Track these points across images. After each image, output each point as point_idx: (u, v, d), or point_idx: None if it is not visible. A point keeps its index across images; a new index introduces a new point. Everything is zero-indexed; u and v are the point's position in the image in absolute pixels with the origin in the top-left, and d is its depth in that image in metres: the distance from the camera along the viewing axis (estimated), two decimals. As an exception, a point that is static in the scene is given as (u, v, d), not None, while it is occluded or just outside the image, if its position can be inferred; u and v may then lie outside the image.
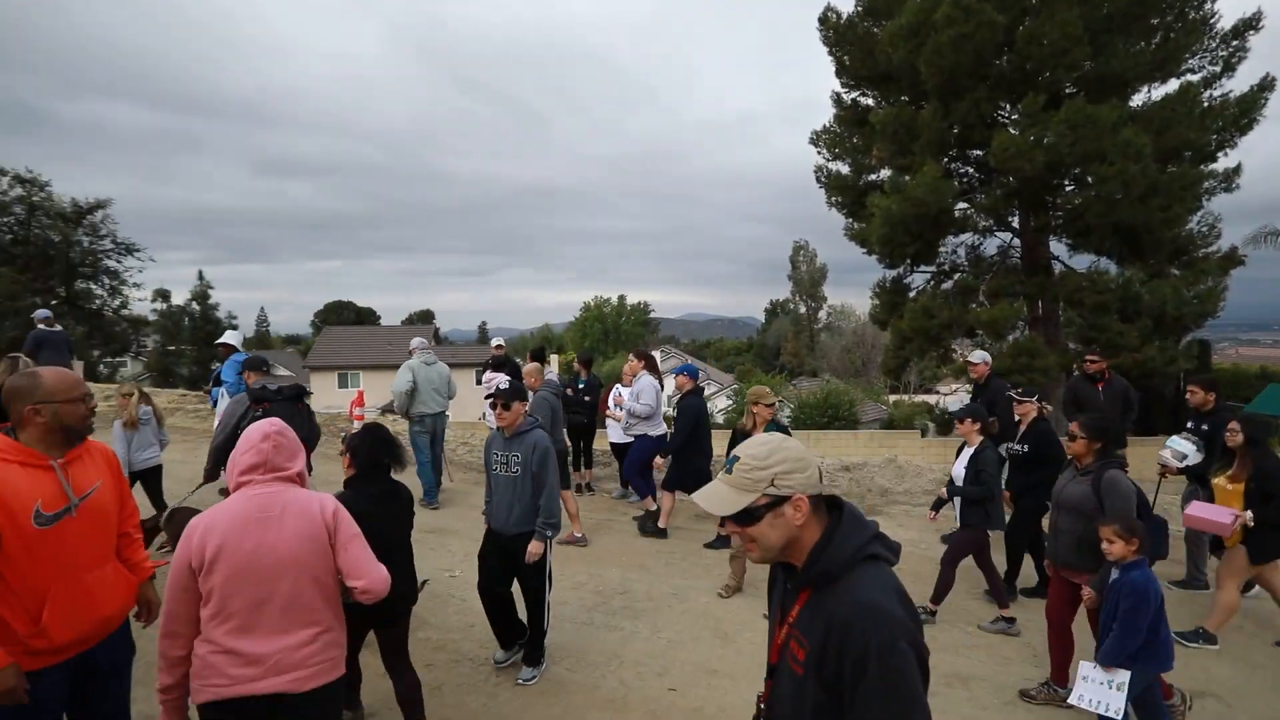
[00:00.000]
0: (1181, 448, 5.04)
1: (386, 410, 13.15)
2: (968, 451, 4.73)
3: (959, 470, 4.71)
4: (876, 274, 18.63)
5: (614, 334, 63.32)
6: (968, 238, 17.50)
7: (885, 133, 15.44)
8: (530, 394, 5.21)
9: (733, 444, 4.97)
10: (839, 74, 17.60)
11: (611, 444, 7.64)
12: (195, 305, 45.72)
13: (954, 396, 28.93)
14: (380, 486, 2.96)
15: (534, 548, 3.66)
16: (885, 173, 16.85)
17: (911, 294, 18.19)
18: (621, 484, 7.71)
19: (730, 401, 30.52)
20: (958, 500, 4.62)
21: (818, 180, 18.75)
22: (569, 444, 7.64)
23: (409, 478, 3.48)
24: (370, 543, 2.23)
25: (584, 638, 4.39)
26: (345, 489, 2.91)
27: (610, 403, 7.43)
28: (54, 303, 19.87)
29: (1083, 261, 16.37)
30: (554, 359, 39.73)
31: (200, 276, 46.80)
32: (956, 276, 17.72)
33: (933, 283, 18.17)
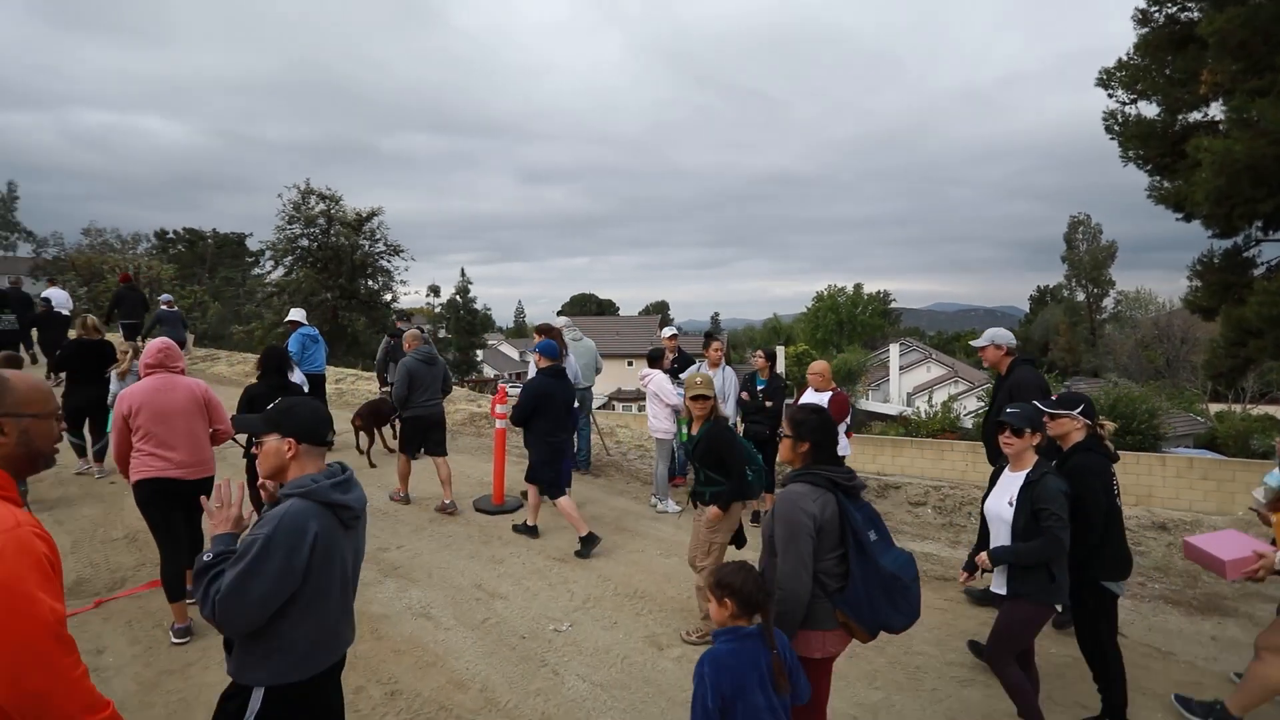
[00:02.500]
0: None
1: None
2: (1013, 479, 3.12)
3: (999, 506, 3.16)
4: (1194, 248, 14.00)
5: (849, 325, 59.01)
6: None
7: (1225, 45, 11.19)
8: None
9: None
10: (1148, -18, 13.35)
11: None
12: (459, 299, 52.52)
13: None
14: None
15: None
16: (1217, 107, 12.43)
17: (1259, 270, 13.25)
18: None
19: (981, 403, 25.95)
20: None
21: (1109, 131, 14.61)
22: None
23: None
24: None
25: None
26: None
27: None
28: (338, 296, 23.71)
29: None
30: (780, 351, 38.29)
31: (462, 273, 53.61)
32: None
33: (1295, 255, 13.03)
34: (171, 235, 45.15)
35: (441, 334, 53.96)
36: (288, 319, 8.16)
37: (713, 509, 3.93)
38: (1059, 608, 3.12)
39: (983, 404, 24.55)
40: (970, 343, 5.46)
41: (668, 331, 7.75)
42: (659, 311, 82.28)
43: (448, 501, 6.11)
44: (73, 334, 8.54)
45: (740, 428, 6.35)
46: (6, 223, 43.22)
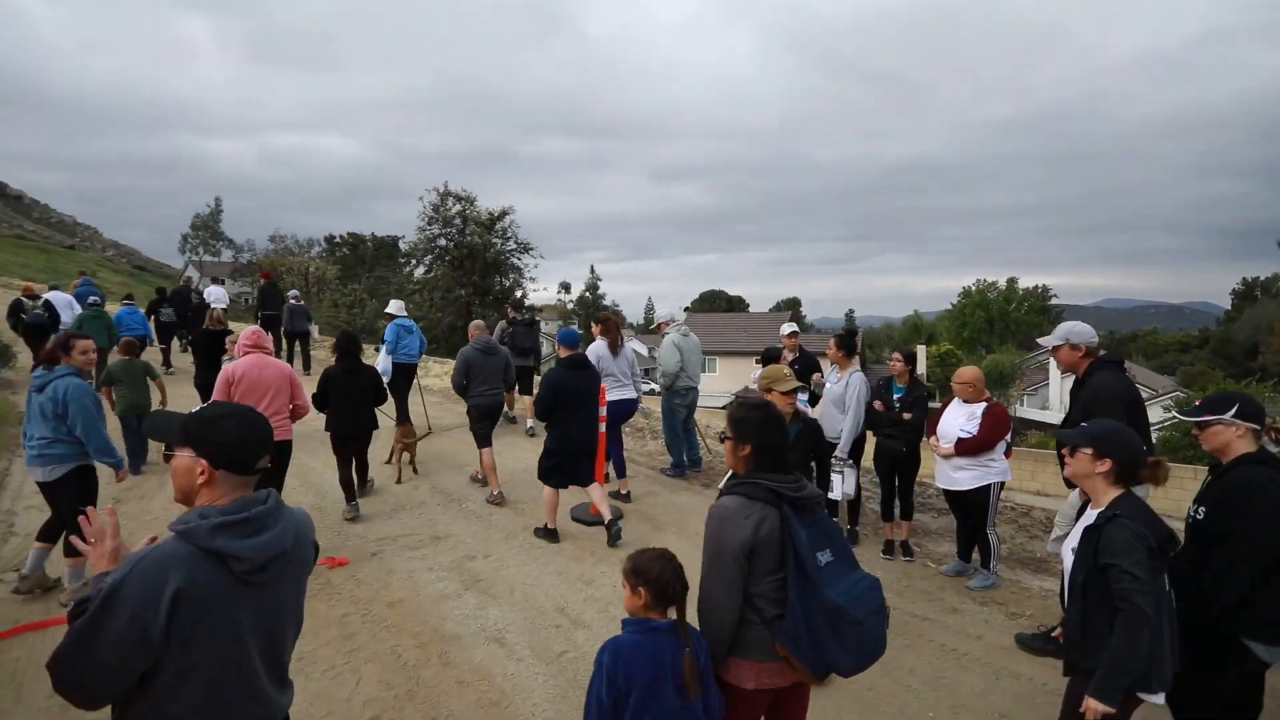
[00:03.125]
0: None
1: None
2: (1087, 519, 2.33)
3: (1063, 551, 2.46)
4: None
5: (1000, 323, 53.56)
6: None
7: None
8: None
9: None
10: None
11: (946, 493, 4.90)
12: (588, 295, 53.92)
13: None
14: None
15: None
16: None
17: None
18: (962, 554, 4.99)
19: (1168, 413, 22.05)
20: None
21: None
22: (879, 482, 5.44)
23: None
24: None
25: None
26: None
27: (939, 429, 4.76)
28: (472, 293, 24.82)
29: None
30: (921, 351, 35.34)
31: (592, 270, 54.89)
32: None
33: None
34: (338, 239, 50.13)
35: (572, 328, 55.81)
36: (386, 310, 8.55)
37: None
38: (1155, 698, 2.15)
39: (1169, 413, 20.83)
40: (1040, 340, 4.60)
41: (787, 329, 6.91)
42: (790, 308, 79.54)
43: (497, 491, 6.15)
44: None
45: (872, 443, 5.43)
46: (214, 233, 50.08)
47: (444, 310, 25.05)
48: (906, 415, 5.09)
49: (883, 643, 2.06)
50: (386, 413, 6.81)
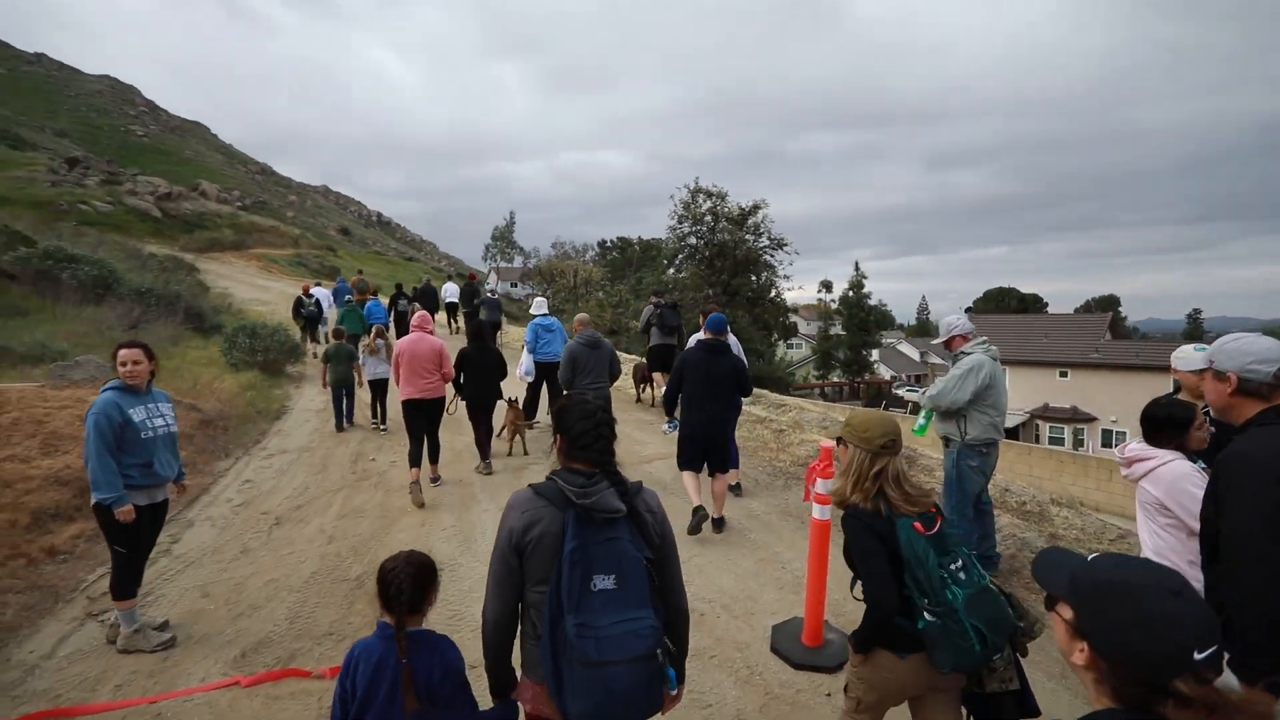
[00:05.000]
0: None
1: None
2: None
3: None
4: None
5: None
6: None
7: None
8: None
9: None
10: None
11: None
12: (851, 294, 49.93)
13: None
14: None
15: None
16: None
17: None
18: None
19: None
20: None
21: None
22: None
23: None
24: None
25: None
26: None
27: None
28: (720, 293, 24.01)
29: None
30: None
31: (856, 267, 50.68)
32: None
33: None
34: (609, 244, 53.98)
35: (834, 330, 52.38)
36: (530, 310, 8.92)
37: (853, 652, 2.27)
38: None
39: None
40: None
41: (1188, 359, 3.32)
42: (1105, 308, 64.69)
43: None
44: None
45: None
46: (508, 242, 57.70)
47: (692, 311, 24.73)
48: None
49: (641, 700, 1.74)
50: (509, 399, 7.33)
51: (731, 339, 5.49)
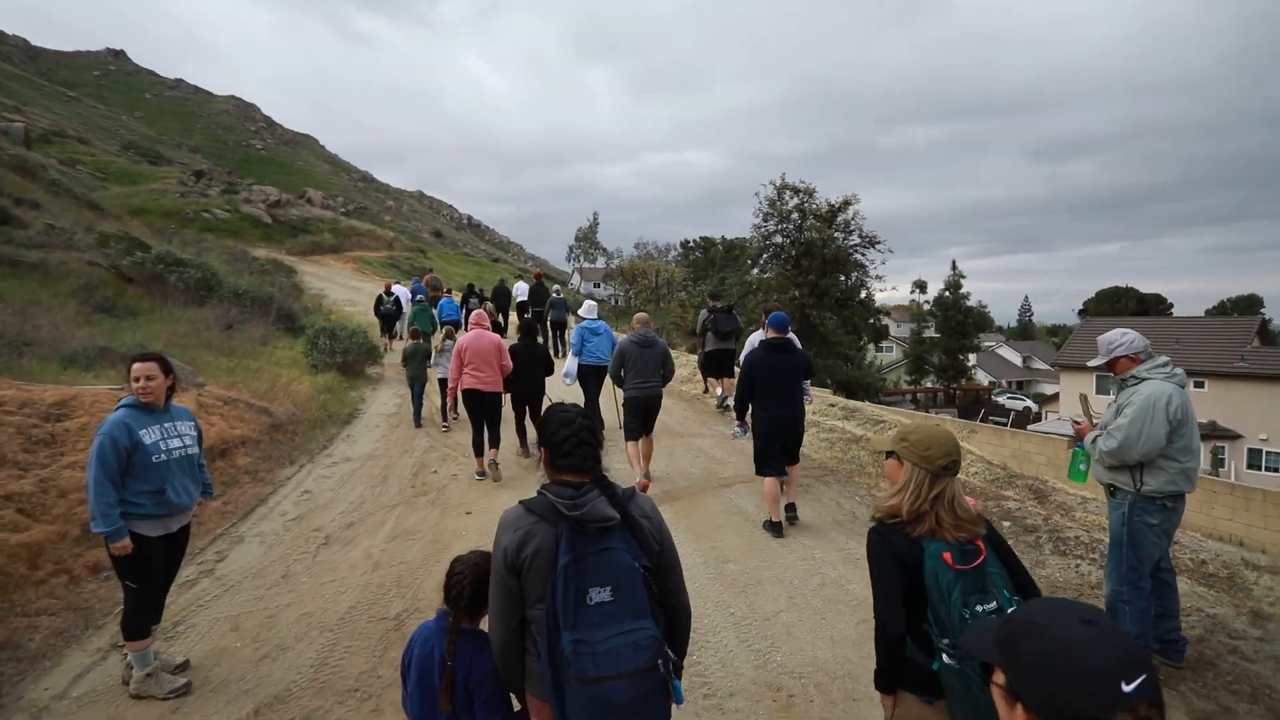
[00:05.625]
0: None
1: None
2: None
3: None
4: None
5: None
6: None
7: None
8: None
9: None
10: None
11: None
12: (947, 294, 46.78)
13: None
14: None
15: None
16: None
17: None
18: None
19: None
20: None
21: None
22: None
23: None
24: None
25: None
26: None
27: None
28: (807, 294, 22.73)
29: None
30: None
31: (953, 266, 47.43)
32: None
33: None
34: (692, 244, 53.23)
35: (927, 333, 49.32)
36: (579, 312, 8.69)
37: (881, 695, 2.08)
38: None
39: None
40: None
41: None
42: (1245, 310, 57.41)
43: (642, 472, 5.96)
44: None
45: None
46: (592, 244, 58.12)
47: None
48: None
49: (643, 715, 1.68)
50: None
51: (790, 335, 5.43)
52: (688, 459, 7.13)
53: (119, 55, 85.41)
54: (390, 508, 5.76)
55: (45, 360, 7.84)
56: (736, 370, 7.25)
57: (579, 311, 8.67)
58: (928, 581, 1.84)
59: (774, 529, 5.02)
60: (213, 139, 69.30)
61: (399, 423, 8.36)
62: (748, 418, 5.21)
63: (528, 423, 7.13)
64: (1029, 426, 28.83)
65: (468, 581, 1.96)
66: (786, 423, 4.96)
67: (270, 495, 6.03)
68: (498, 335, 6.59)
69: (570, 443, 1.83)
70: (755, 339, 6.25)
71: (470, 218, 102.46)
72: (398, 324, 14.77)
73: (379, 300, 14.60)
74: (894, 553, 1.93)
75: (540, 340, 7.72)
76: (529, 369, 6.86)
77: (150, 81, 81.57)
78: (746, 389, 5.03)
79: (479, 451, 6.38)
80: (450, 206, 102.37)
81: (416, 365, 8.56)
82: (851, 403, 10.66)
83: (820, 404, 9.59)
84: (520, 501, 1.86)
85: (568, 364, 7.67)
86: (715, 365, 9.15)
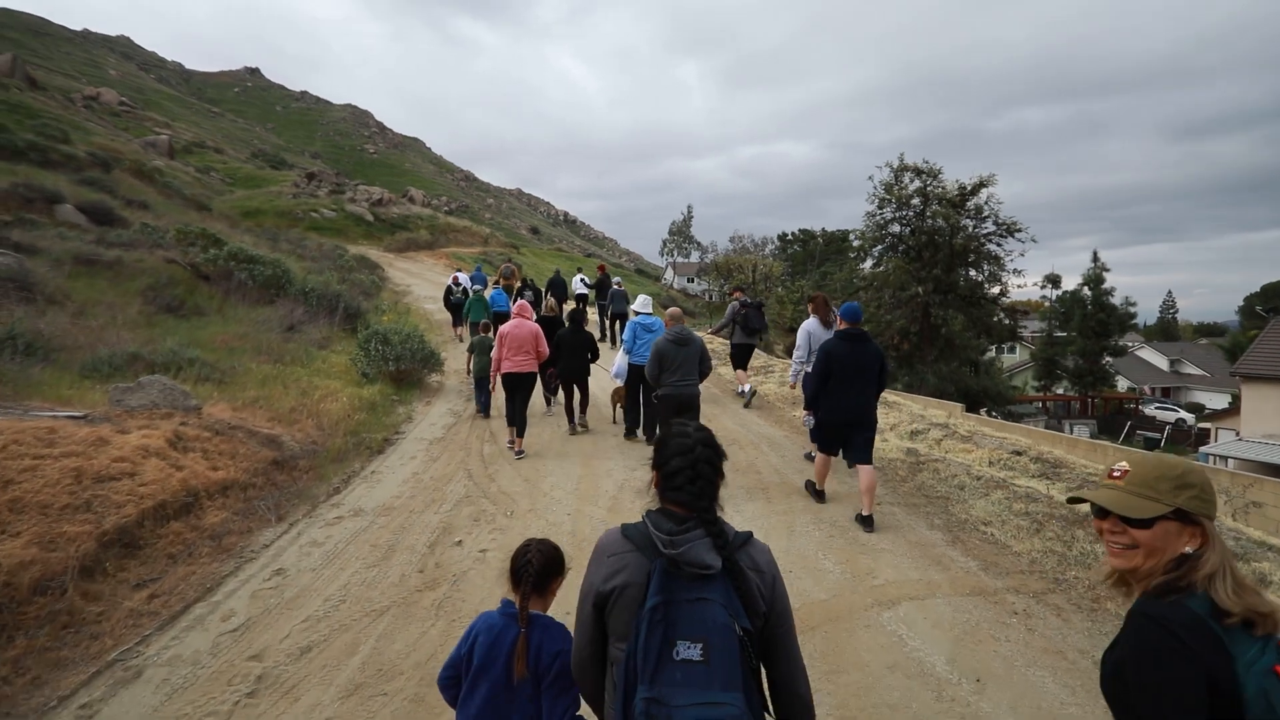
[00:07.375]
0: None
1: None
2: None
3: None
4: None
5: None
6: None
7: None
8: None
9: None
10: None
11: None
12: (1087, 290, 41.12)
13: None
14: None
15: None
16: None
17: None
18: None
19: None
20: None
21: None
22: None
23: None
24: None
25: None
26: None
27: None
28: (931, 290, 19.80)
29: None
30: None
31: (1094, 259, 41.66)
32: None
33: None
34: (790, 237, 50.24)
35: (1059, 334, 43.74)
36: (633, 306, 8.60)
37: None
38: None
39: None
40: None
41: None
42: None
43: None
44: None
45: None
46: (685, 238, 56.35)
47: (894, 312, 20.69)
48: None
49: None
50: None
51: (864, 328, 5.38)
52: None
53: (255, 73, 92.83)
54: (377, 614, 3.84)
55: (63, 369, 7.09)
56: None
57: (633, 306, 8.61)
58: (1251, 710, 1.12)
59: (817, 495, 5.50)
60: (331, 145, 73.51)
61: (441, 452, 6.92)
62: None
63: (575, 402, 7.97)
64: (1201, 449, 24.18)
65: (537, 558, 1.95)
66: (853, 412, 4.99)
67: (228, 578, 4.25)
68: (536, 324, 7.24)
69: (683, 475, 1.59)
70: (811, 327, 6.35)
71: (566, 214, 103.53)
72: (465, 314, 14.61)
73: (448, 291, 14.54)
74: (1200, 666, 1.15)
75: (585, 328, 8.28)
76: (573, 353, 7.75)
77: (280, 95, 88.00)
78: (822, 377, 5.07)
79: (511, 422, 7.07)
80: (547, 203, 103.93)
81: (483, 359, 8.57)
82: (1013, 435, 8.28)
83: (1003, 450, 7.33)
84: (621, 526, 1.68)
85: (618, 361, 7.90)
86: (740, 358, 9.80)
